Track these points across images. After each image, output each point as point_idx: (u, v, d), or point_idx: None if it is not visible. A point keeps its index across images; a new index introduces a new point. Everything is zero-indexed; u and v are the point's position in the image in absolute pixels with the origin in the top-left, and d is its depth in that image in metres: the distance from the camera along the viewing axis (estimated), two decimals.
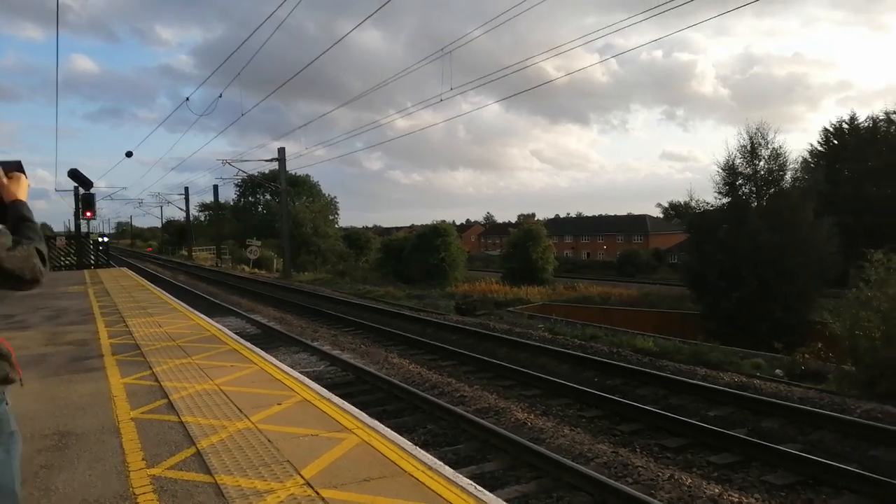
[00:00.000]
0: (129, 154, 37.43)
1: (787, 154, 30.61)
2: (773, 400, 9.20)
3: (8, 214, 2.09)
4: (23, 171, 2.23)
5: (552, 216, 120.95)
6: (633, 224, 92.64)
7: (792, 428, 8.35)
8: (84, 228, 33.08)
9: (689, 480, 6.42)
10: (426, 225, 51.89)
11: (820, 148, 43.97)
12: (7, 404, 2.04)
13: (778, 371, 12.29)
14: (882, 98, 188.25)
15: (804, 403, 9.11)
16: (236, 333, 10.43)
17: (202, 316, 11.78)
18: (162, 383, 6.38)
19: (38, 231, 2.10)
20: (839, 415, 8.43)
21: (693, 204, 32.32)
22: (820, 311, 17.75)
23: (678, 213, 36.24)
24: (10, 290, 2.04)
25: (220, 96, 25.86)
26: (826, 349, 13.05)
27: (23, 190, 2.19)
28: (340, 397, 5.98)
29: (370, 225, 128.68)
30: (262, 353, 8.09)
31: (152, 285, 19.52)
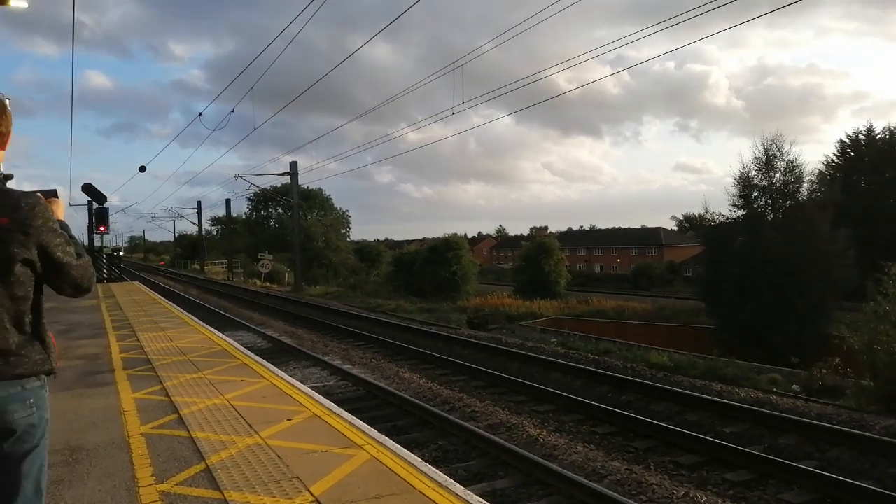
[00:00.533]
0: (142, 169, 37.62)
1: (802, 166, 30.42)
2: (790, 416, 9.06)
3: None
4: (58, 197, 2.58)
5: (565, 229, 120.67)
6: (647, 237, 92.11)
7: (809, 445, 8.21)
8: (98, 243, 33.31)
9: (705, 498, 6.30)
10: (438, 238, 51.87)
11: (836, 159, 43.59)
12: (47, 392, 2.33)
13: (795, 386, 12.12)
14: None
15: (822, 420, 8.96)
16: (247, 348, 10.43)
17: (213, 330, 11.80)
18: (172, 398, 6.37)
19: (82, 247, 2.50)
20: (857, 431, 8.28)
21: (708, 216, 32.17)
22: (837, 324, 17.50)
23: (693, 225, 36.22)
24: (69, 296, 2.45)
25: (233, 111, 26.22)
26: (844, 364, 12.86)
27: (61, 212, 2.51)
28: (350, 413, 5.94)
29: (381, 238, 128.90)
30: (273, 367, 8.07)
31: (164, 299, 19.61)
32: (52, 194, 2.53)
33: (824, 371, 12.58)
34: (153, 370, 7.85)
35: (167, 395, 6.53)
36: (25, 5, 16.72)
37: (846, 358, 12.93)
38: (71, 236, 2.43)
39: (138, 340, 10.40)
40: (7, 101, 2.41)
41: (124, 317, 14.02)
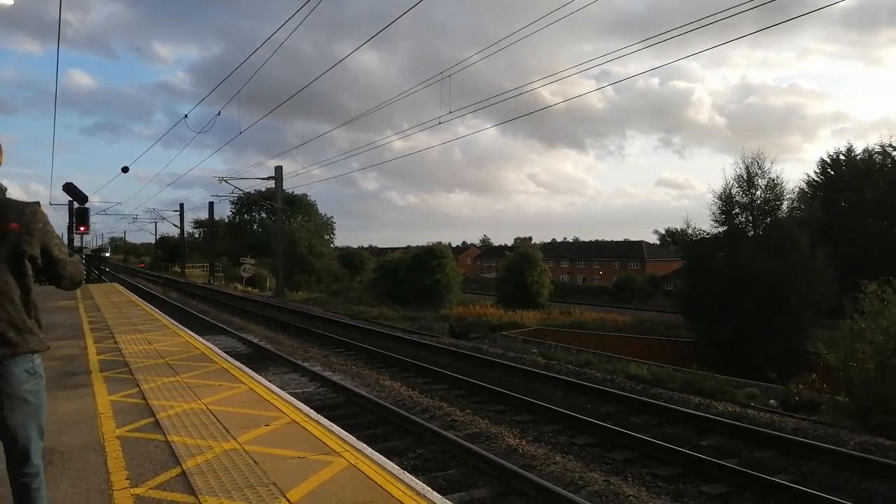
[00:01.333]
0: (125, 169, 37.17)
1: (783, 184, 30.87)
2: (767, 430, 9.14)
3: None
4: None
5: (548, 240, 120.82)
6: (630, 250, 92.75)
7: (785, 459, 8.28)
8: (78, 243, 32.89)
9: None
10: (422, 246, 51.90)
11: (817, 178, 44.22)
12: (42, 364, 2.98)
13: (772, 401, 12.23)
14: (877, 130, 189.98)
15: (798, 434, 9.05)
16: (226, 352, 10.34)
17: (192, 334, 11.69)
18: (149, 401, 6.30)
19: (71, 249, 3.35)
20: (833, 447, 8.37)
21: (690, 231, 32.49)
22: (814, 341, 17.72)
23: (675, 240, 36.50)
24: (66, 287, 3.11)
25: (219, 114, 25.91)
26: (820, 380, 13.02)
27: None
28: (329, 419, 5.90)
29: (365, 245, 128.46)
30: (252, 372, 8.01)
31: (143, 301, 19.41)
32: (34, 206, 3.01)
33: (801, 386, 12.72)
34: (130, 373, 7.76)
35: (144, 398, 6.45)
36: (11, 2, 16.58)
37: (823, 374, 13.10)
38: (61, 239, 3.01)
39: (116, 343, 10.28)
40: None
41: (102, 318, 13.85)
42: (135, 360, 8.68)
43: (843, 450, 8.26)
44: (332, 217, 76.66)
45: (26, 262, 2.78)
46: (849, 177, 42.23)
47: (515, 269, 48.09)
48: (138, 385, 7.06)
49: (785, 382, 13.46)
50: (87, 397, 6.52)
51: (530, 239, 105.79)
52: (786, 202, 31.14)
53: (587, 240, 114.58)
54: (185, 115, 25.06)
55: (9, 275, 2.74)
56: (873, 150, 42.63)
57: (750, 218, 31.04)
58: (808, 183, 43.62)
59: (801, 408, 11.75)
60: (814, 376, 13.03)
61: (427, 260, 45.51)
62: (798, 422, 9.98)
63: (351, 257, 66.39)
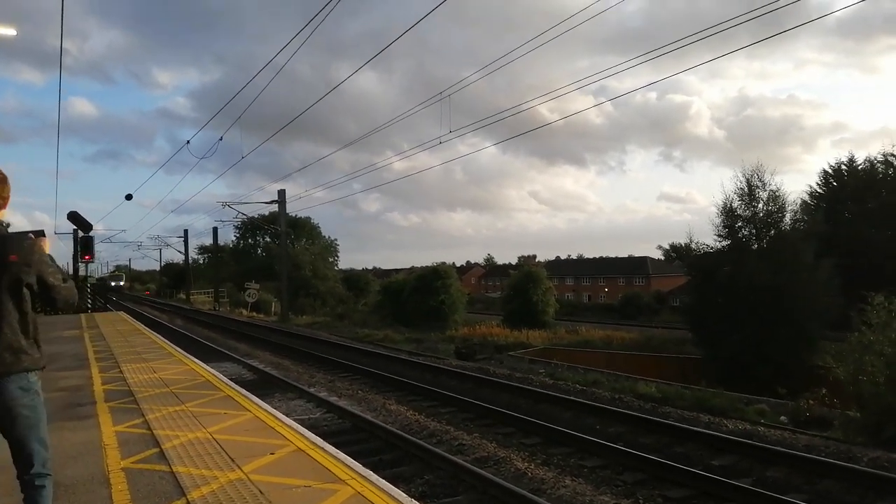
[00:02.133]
0: (128, 197, 37.40)
1: (785, 196, 30.77)
2: (779, 448, 9.04)
3: None
4: (45, 236, 3.39)
5: (552, 258, 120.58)
6: (635, 266, 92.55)
7: (798, 477, 8.17)
8: (82, 272, 32.97)
9: None
10: (426, 267, 51.82)
11: (819, 189, 44.13)
12: (39, 382, 3.27)
13: (783, 418, 12.11)
14: (878, 139, 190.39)
15: (810, 451, 8.95)
16: (232, 379, 10.29)
17: (197, 361, 11.65)
18: (154, 431, 6.25)
19: (66, 274, 3.60)
20: (846, 463, 8.27)
21: (693, 246, 32.37)
22: (822, 354, 17.57)
23: (679, 255, 36.33)
24: (60, 310, 3.80)
25: (221, 139, 26.01)
26: (830, 395, 12.88)
27: (47, 248, 3.35)
28: (335, 446, 5.85)
29: (370, 267, 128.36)
30: (257, 399, 7.96)
31: (149, 330, 19.39)
32: (40, 234, 3.35)
33: (811, 402, 12.59)
34: (135, 402, 7.72)
35: (149, 428, 6.41)
36: (14, 33, 16.78)
37: (833, 388, 12.97)
38: (56, 266, 3.36)
39: (121, 372, 10.25)
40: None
41: (107, 348, 13.83)
42: (140, 389, 8.65)
43: (856, 467, 8.16)
44: (335, 239, 76.78)
45: (24, 288, 3.13)
46: (851, 187, 42.15)
47: (520, 287, 47.93)
48: (143, 415, 7.02)
49: (795, 398, 13.32)
50: (92, 428, 6.48)
51: (534, 257, 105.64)
52: (788, 214, 31.00)
53: (591, 256, 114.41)
54: (188, 142, 25.33)
55: (8, 301, 3.08)
56: (875, 159, 42.62)
57: (753, 231, 30.93)
58: (811, 194, 43.53)
59: (812, 424, 11.62)
60: (824, 391, 12.90)
61: (431, 280, 45.41)
62: (810, 438, 9.88)
63: (355, 279, 66.36)
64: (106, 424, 6.65)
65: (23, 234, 3.20)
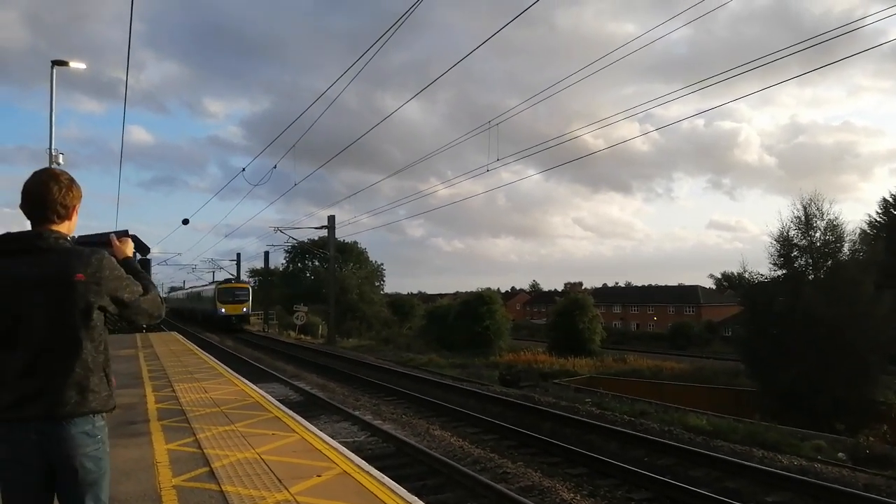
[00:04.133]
0: (185, 221, 38.56)
1: (843, 225, 29.84)
2: (837, 486, 8.68)
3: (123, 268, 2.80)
4: (129, 237, 3.10)
5: (599, 285, 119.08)
6: (684, 294, 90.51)
7: None
8: None
9: None
10: (471, 292, 51.77)
11: (879, 219, 42.70)
12: (106, 427, 2.73)
13: (841, 454, 11.63)
14: None
15: (870, 491, 8.57)
16: (279, 400, 10.45)
17: (246, 382, 11.87)
18: (205, 450, 6.39)
19: (150, 279, 2.90)
20: None
21: (746, 275, 31.57)
22: (883, 389, 16.87)
23: (731, 284, 35.46)
24: (146, 324, 3.12)
25: (275, 167, 26.67)
26: (892, 431, 12.35)
27: (130, 249, 3.06)
28: (380, 470, 5.88)
29: (415, 291, 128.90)
30: (304, 421, 8.07)
31: (200, 350, 19.84)
32: (123, 234, 3.09)
33: (871, 438, 12.08)
34: (187, 421, 7.91)
35: (199, 447, 6.56)
36: (84, 67, 17.66)
37: (894, 425, 12.42)
38: (137, 270, 2.89)
39: (173, 391, 10.52)
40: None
41: (161, 367, 14.21)
42: (191, 408, 8.85)
43: None
44: (381, 264, 77.43)
45: (96, 312, 2.61)
46: None
47: (566, 314, 47.33)
48: (194, 434, 7.18)
49: (853, 434, 12.79)
50: (145, 446, 6.66)
51: (581, 284, 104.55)
52: (847, 244, 29.98)
53: (639, 284, 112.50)
54: (243, 169, 26.06)
55: (80, 330, 2.57)
56: None
57: (809, 261, 30.02)
58: (870, 223, 42.13)
59: (872, 461, 11.13)
60: (885, 427, 12.38)
61: (476, 306, 45.29)
62: (870, 477, 9.46)
63: (401, 304, 66.66)
64: (158, 442, 6.83)
65: (93, 250, 2.68)
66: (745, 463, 9.92)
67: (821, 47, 10.95)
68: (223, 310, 49.20)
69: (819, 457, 11.07)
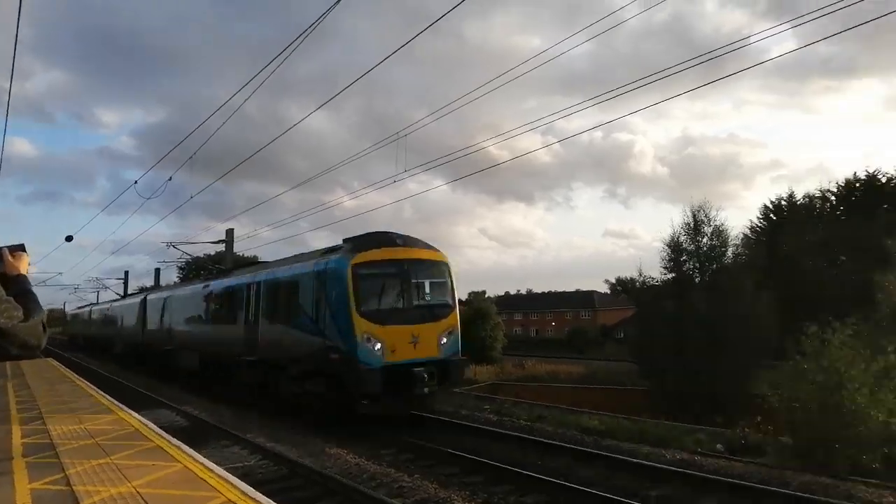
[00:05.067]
0: (69, 238, 35.98)
1: (728, 231, 31.77)
2: (714, 476, 9.20)
3: (11, 286, 2.51)
4: (25, 252, 2.76)
5: (502, 293, 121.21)
6: (582, 300, 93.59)
7: (733, 503, 8.31)
8: None
9: None
10: None
11: (759, 224, 45.43)
12: None
13: (719, 446, 12.34)
14: (814, 175, 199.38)
15: (744, 478, 9.12)
16: (163, 428, 9.90)
17: (128, 410, 11.18)
18: (74, 487, 5.95)
19: (38, 302, 2.57)
20: (777, 489, 8.46)
21: (640, 279, 33.06)
22: (759, 383, 18.04)
23: (625, 288, 36.95)
24: (20, 357, 2.57)
25: (170, 179, 25.11)
26: (765, 422, 13.19)
27: (24, 266, 2.71)
28: (269, 495, 5.67)
29: None
30: (188, 449, 7.68)
31: (78, 377, 18.59)
32: (19, 248, 2.76)
33: (747, 429, 12.87)
34: (56, 456, 7.34)
35: (69, 483, 6.10)
36: None
37: (768, 416, 13.29)
38: (27, 290, 2.60)
39: (44, 423, 9.76)
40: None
41: (32, 397, 13.17)
42: (63, 441, 8.24)
43: (787, 491, 8.36)
44: None
45: None
46: (790, 221, 43.59)
47: (469, 323, 47.79)
48: (63, 470, 6.67)
49: (732, 426, 13.61)
50: (5, 486, 6.12)
51: (484, 293, 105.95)
52: (731, 248, 32.02)
53: (540, 291, 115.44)
54: (136, 182, 24.47)
55: None
56: (813, 195, 44.30)
57: (697, 265, 31.78)
58: (752, 228, 44.90)
59: (747, 451, 11.87)
60: (759, 418, 13.21)
61: None
62: (745, 465, 10.08)
63: None
64: (21, 482, 6.29)
65: None
66: (632, 460, 10.35)
67: (711, 63, 11.51)
68: None
69: (699, 449, 11.70)
